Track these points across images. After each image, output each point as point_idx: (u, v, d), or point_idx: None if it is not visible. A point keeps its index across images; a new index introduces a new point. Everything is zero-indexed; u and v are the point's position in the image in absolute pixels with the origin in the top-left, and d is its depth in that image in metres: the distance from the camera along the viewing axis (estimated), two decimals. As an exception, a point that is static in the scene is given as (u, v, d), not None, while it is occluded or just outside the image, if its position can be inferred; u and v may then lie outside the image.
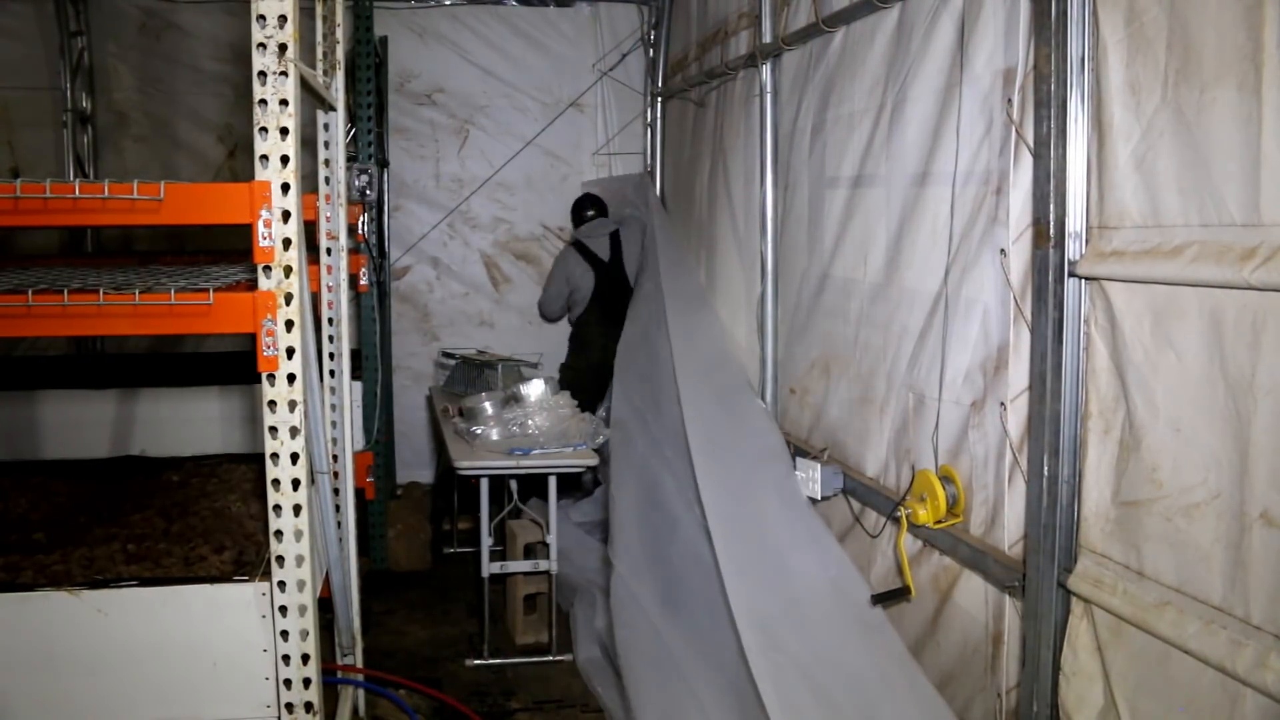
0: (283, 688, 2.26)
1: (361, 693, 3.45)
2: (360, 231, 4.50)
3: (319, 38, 3.03)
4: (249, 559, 2.63)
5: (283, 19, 2.03)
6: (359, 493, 3.65)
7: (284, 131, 2.05)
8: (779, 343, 4.12)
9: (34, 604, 2.31)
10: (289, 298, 2.10)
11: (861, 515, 3.33)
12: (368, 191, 4.37)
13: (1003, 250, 2.52)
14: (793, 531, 3.39)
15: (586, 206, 5.68)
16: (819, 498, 3.40)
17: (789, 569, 3.29)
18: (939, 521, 2.75)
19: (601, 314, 5.48)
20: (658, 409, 4.14)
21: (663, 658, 3.48)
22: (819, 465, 3.35)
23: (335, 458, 3.18)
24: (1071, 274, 2.17)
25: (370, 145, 4.81)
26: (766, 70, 4.06)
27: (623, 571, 3.70)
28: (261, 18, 2.02)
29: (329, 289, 3.24)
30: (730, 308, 4.60)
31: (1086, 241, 2.16)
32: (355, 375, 4.02)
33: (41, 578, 2.50)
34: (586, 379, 5.31)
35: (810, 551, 3.33)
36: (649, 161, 6.11)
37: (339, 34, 3.15)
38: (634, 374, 4.44)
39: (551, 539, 4.21)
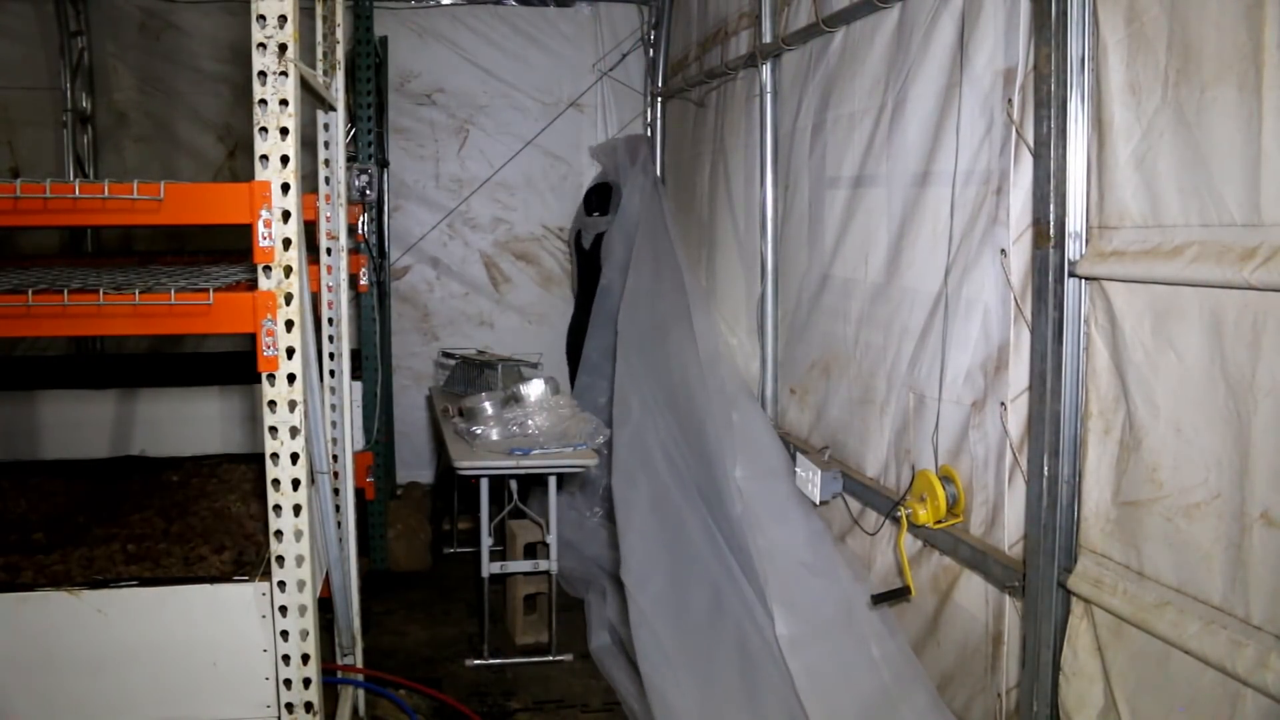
0: (283, 688, 2.26)
1: (361, 693, 3.45)
2: (360, 231, 4.50)
3: (319, 38, 3.03)
4: (249, 559, 2.63)
5: (283, 19, 2.03)
6: (359, 493, 3.65)
7: (284, 131, 2.05)
8: (779, 343, 4.12)
9: (34, 604, 2.32)
10: (289, 298, 2.10)
11: (861, 515, 3.33)
12: (368, 191, 4.36)
13: (1003, 250, 2.52)
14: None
15: (593, 205, 5.81)
16: (818, 501, 3.40)
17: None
18: (939, 521, 2.75)
19: (583, 299, 5.86)
20: (677, 425, 4.14)
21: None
22: (819, 470, 3.35)
23: (335, 458, 3.18)
24: (1072, 274, 2.17)
25: (370, 145, 4.81)
26: (766, 70, 4.05)
27: (643, 605, 3.69)
28: (261, 18, 2.02)
29: (329, 289, 3.24)
30: (730, 308, 4.60)
31: (1086, 241, 2.16)
32: (355, 375, 4.02)
33: (41, 578, 2.50)
34: (571, 357, 5.77)
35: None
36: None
37: (339, 34, 3.15)
38: (645, 375, 4.42)
39: (551, 539, 4.21)
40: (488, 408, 4.41)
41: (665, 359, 4.34)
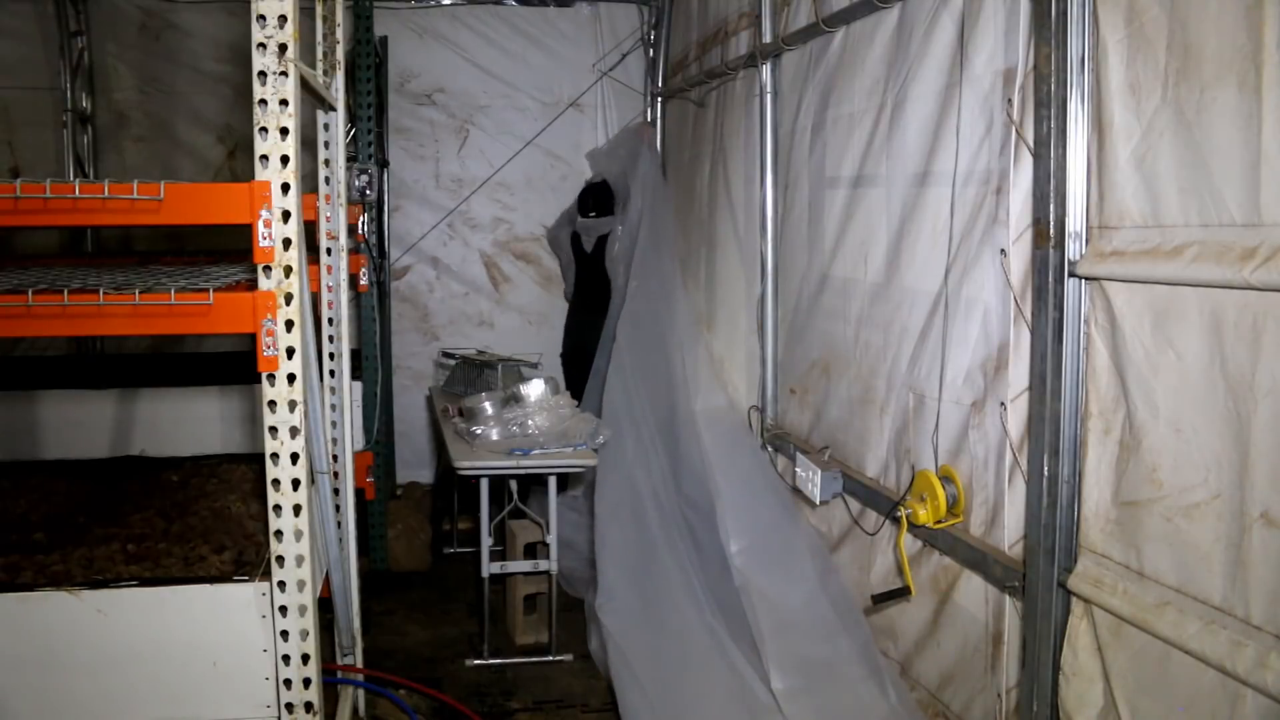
0: (283, 688, 2.26)
1: (361, 693, 3.45)
2: (360, 231, 4.50)
3: (319, 38, 3.03)
4: (249, 559, 2.64)
5: (283, 19, 2.03)
6: (359, 493, 3.65)
7: (284, 131, 2.05)
8: (779, 343, 4.12)
9: (34, 604, 2.32)
10: (289, 298, 2.10)
11: (861, 515, 3.33)
12: (368, 191, 4.36)
13: (1003, 250, 2.52)
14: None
15: (589, 206, 5.76)
16: (817, 501, 3.40)
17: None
18: (939, 521, 2.75)
19: (580, 303, 5.83)
20: (662, 442, 4.15)
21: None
22: (819, 470, 3.35)
23: (335, 458, 3.18)
24: (1072, 274, 2.17)
25: (370, 145, 4.81)
26: (766, 70, 4.06)
27: (612, 628, 3.73)
28: (261, 18, 2.02)
29: (329, 289, 3.24)
30: (730, 308, 4.60)
31: (1086, 241, 2.16)
32: (355, 375, 4.02)
33: (41, 578, 2.50)
34: (567, 363, 5.75)
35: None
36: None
37: (339, 34, 3.15)
38: (633, 391, 4.43)
39: (551, 539, 4.21)
40: (488, 408, 4.40)
41: (661, 389, 4.34)
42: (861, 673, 3.15)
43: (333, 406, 3.26)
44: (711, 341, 4.67)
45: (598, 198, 5.74)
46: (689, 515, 4.02)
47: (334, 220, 3.21)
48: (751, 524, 3.74)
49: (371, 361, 4.83)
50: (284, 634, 2.25)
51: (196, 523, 2.98)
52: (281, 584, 2.23)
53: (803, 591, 3.48)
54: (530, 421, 4.30)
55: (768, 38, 4.06)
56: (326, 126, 3.18)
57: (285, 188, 2.06)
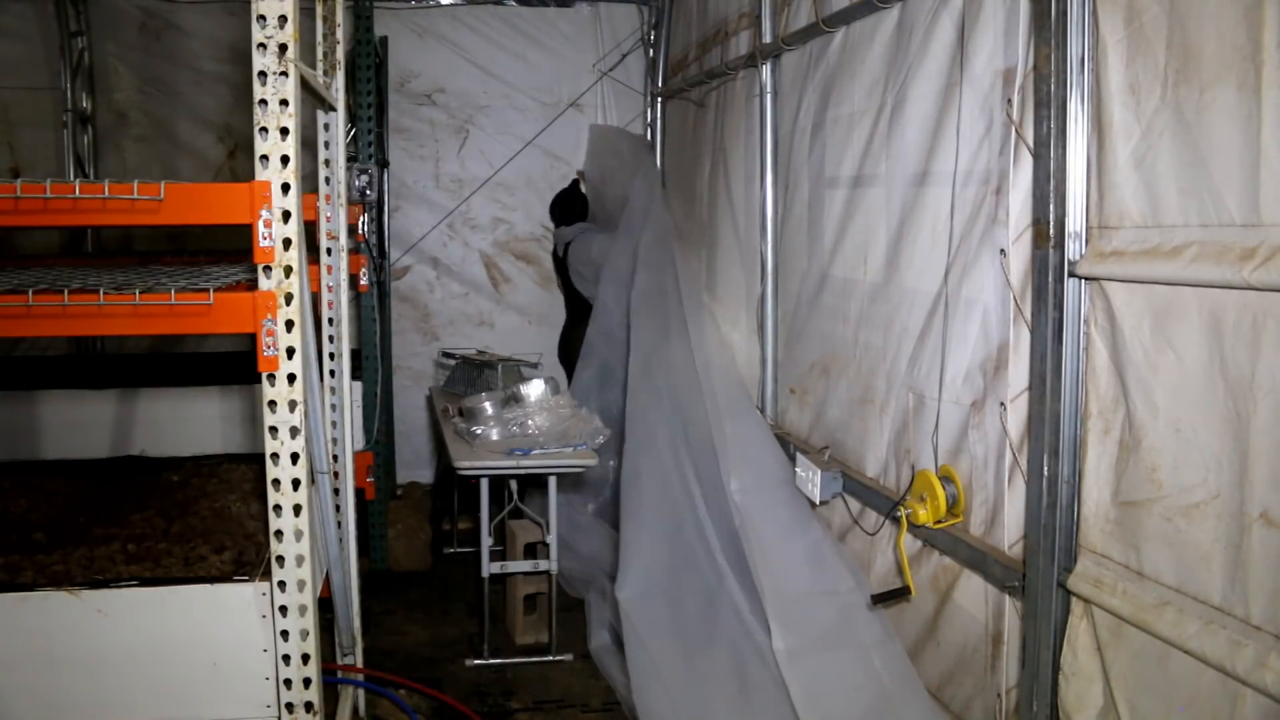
0: (283, 688, 2.26)
1: (361, 693, 3.45)
2: (360, 231, 4.50)
3: (319, 38, 3.03)
4: (249, 559, 2.63)
5: (283, 19, 2.03)
6: (359, 493, 3.65)
7: (284, 131, 2.05)
8: (779, 343, 4.12)
9: (34, 604, 2.32)
10: (289, 298, 2.10)
11: (861, 515, 3.33)
12: (368, 191, 4.36)
13: (1003, 250, 2.52)
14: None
15: (556, 215, 5.88)
16: (818, 501, 3.40)
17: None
18: (939, 521, 2.75)
19: (566, 307, 6.01)
20: (685, 432, 4.14)
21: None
22: (819, 470, 3.35)
23: (335, 458, 3.18)
24: (1071, 274, 2.17)
25: (370, 145, 4.81)
26: (766, 70, 4.06)
27: (628, 608, 3.72)
28: (261, 18, 2.02)
29: (329, 289, 3.24)
30: (730, 308, 4.60)
31: (1086, 241, 2.17)
32: (355, 375, 4.02)
33: (41, 578, 2.50)
34: (563, 361, 5.85)
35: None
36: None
37: (339, 34, 3.15)
38: (651, 386, 4.41)
39: (551, 539, 4.21)
40: (488, 408, 4.40)
41: (669, 379, 4.33)
42: (876, 637, 3.09)
43: (333, 406, 3.26)
44: (715, 309, 4.67)
45: (564, 206, 5.80)
46: (704, 482, 3.97)
47: (334, 220, 3.21)
48: (755, 470, 3.70)
49: (371, 361, 4.83)
50: (284, 634, 2.25)
51: (196, 523, 2.98)
52: (281, 584, 2.23)
53: (806, 540, 3.44)
54: (530, 421, 4.30)
55: (768, 38, 4.06)
56: (326, 126, 3.18)
57: (285, 188, 2.06)
